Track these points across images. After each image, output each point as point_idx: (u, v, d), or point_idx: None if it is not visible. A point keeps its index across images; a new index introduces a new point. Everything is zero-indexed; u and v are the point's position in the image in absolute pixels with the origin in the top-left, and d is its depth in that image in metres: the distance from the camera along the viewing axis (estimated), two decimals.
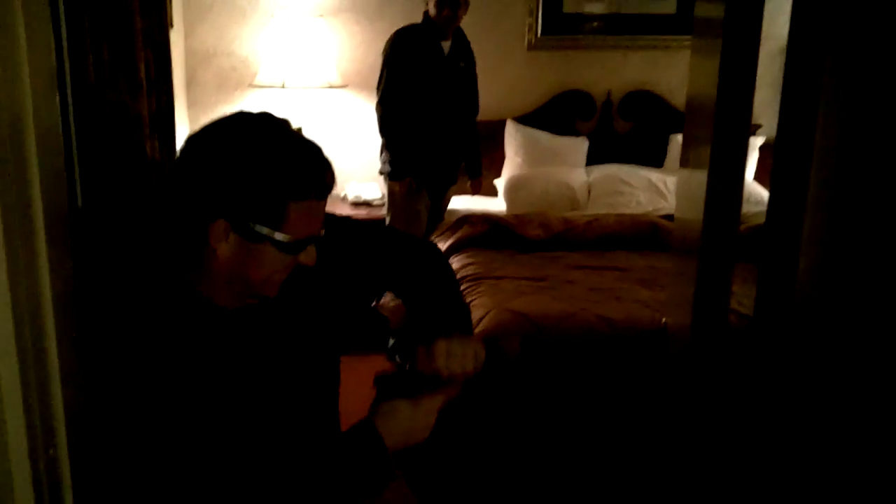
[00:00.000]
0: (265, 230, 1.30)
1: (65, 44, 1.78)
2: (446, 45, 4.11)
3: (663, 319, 2.83)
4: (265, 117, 1.35)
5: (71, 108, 1.81)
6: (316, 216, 1.36)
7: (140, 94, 2.38)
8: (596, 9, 5.02)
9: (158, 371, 1.29)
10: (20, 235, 1.34)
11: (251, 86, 4.64)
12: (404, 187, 4.12)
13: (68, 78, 1.81)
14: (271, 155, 1.29)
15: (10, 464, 1.32)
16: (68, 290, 1.54)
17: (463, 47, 4.22)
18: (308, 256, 1.37)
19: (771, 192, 1.80)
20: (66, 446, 1.51)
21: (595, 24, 5.02)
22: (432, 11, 4.01)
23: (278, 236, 1.31)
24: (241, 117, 1.35)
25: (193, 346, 1.34)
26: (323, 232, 1.40)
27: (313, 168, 1.32)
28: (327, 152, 1.37)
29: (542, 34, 4.98)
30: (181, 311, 1.37)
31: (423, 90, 4.05)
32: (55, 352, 1.46)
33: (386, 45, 4.11)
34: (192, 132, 1.34)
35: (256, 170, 1.28)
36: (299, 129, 1.38)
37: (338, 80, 4.61)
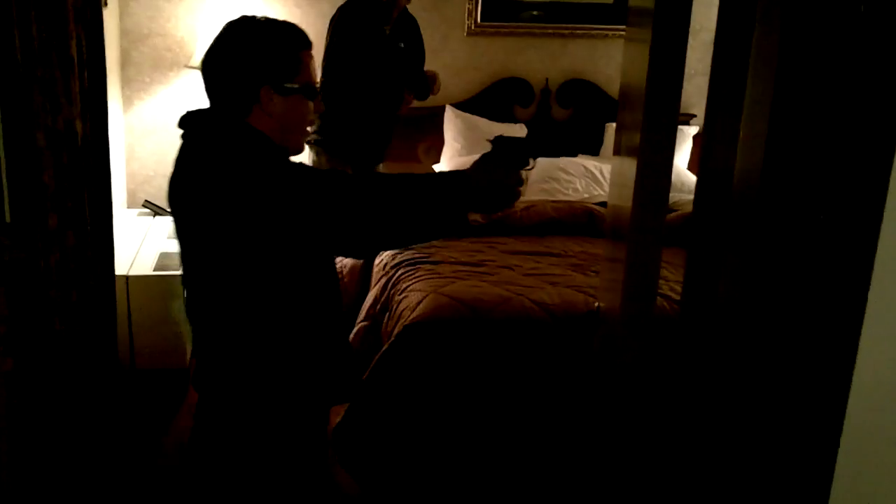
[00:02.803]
0: (293, 84, 1.80)
1: None
2: (388, 25, 4.10)
3: (596, 304, 2.88)
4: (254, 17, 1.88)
5: None
6: (314, 65, 1.89)
7: (71, 72, 2.35)
8: None
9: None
10: None
11: (187, 66, 4.57)
12: (330, 159, 4.11)
13: None
14: (276, 28, 1.84)
15: None
16: None
17: (406, 28, 4.20)
18: (319, 104, 1.91)
19: (698, 179, 1.84)
20: None
21: (535, 11, 5.06)
22: None
23: (300, 85, 1.81)
24: (245, 19, 1.86)
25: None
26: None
27: (298, 29, 1.85)
28: None
29: (481, 20, 5.00)
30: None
31: (358, 68, 4.04)
32: None
33: (333, 17, 4.07)
34: (216, 36, 1.84)
35: (274, 39, 1.81)
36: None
37: None
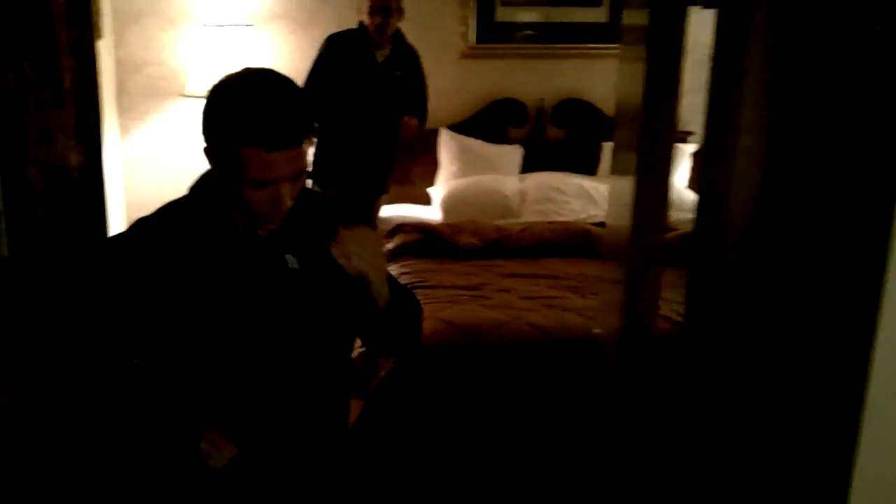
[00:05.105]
0: (232, 173, 1.54)
1: None
2: (382, 53, 4.10)
3: (595, 329, 2.86)
4: (240, 77, 1.58)
5: None
6: (272, 165, 1.52)
7: (64, 104, 2.34)
8: (528, 17, 5.07)
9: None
10: None
11: (182, 95, 4.58)
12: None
13: None
14: (222, 110, 1.53)
15: None
16: None
17: (403, 56, 4.20)
18: (278, 196, 1.56)
19: (698, 197, 1.83)
20: None
21: (528, 32, 5.07)
22: (365, 19, 4.01)
23: (242, 177, 1.53)
24: (226, 80, 1.58)
25: (191, 254, 1.63)
26: (300, 181, 1.59)
27: (258, 122, 1.50)
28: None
29: (475, 43, 5.01)
30: (201, 226, 1.66)
31: (349, 96, 4.05)
32: None
33: (321, 45, 4.11)
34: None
35: (212, 123, 1.56)
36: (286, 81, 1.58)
37: None
